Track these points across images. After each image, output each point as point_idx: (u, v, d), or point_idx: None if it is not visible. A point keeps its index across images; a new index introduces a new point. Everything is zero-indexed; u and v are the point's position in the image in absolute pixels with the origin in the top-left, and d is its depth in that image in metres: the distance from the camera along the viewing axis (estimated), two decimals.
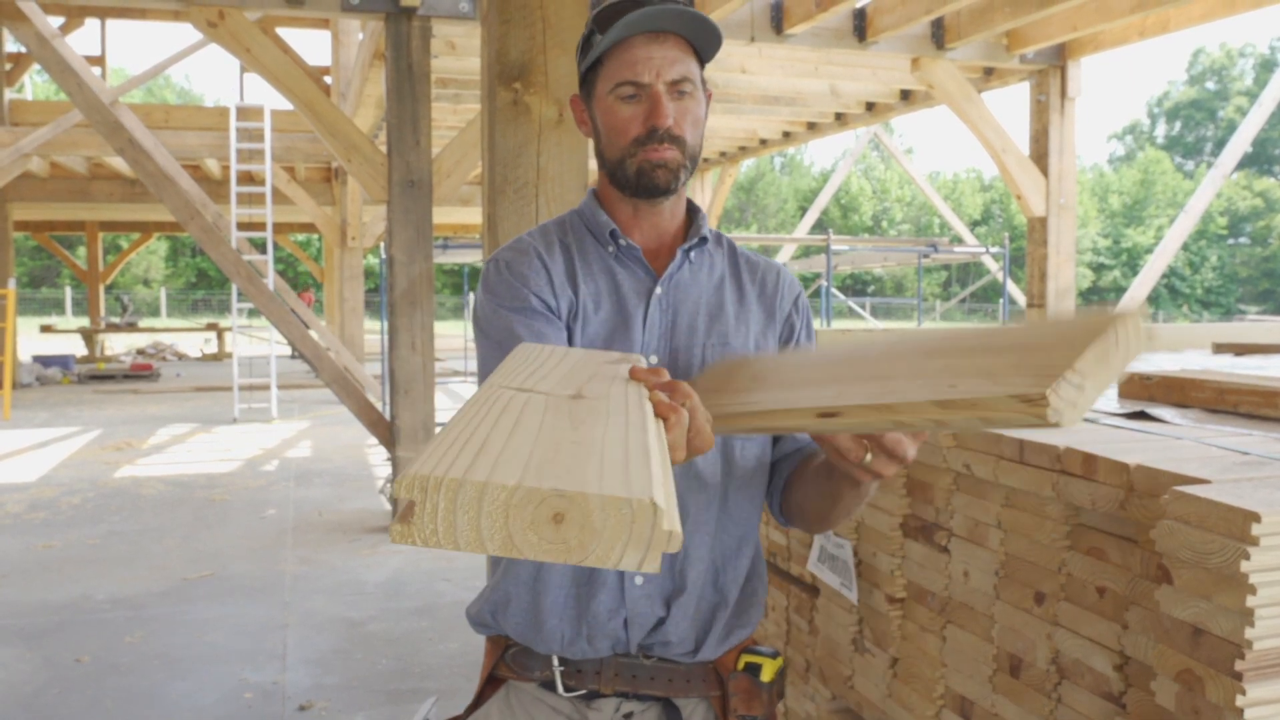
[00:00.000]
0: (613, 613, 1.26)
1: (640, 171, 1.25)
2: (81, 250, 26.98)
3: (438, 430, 6.81)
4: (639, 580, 1.25)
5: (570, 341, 1.27)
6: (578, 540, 0.64)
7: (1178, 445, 1.42)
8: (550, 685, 1.30)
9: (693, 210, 1.37)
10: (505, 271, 1.29)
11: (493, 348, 1.25)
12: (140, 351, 18.93)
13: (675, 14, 1.21)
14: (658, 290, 1.29)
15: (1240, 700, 1.05)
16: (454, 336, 18.20)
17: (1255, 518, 1.03)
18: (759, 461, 1.33)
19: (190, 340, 21.69)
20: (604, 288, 1.30)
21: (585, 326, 1.28)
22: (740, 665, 1.31)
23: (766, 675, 1.30)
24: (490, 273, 1.31)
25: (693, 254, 1.33)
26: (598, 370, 1.04)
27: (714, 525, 1.29)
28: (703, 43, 1.26)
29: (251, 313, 21.04)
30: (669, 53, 1.23)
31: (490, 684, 1.35)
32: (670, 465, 0.86)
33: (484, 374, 1.27)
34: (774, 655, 1.32)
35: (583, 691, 1.29)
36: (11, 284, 12.08)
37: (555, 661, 1.29)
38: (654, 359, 1.27)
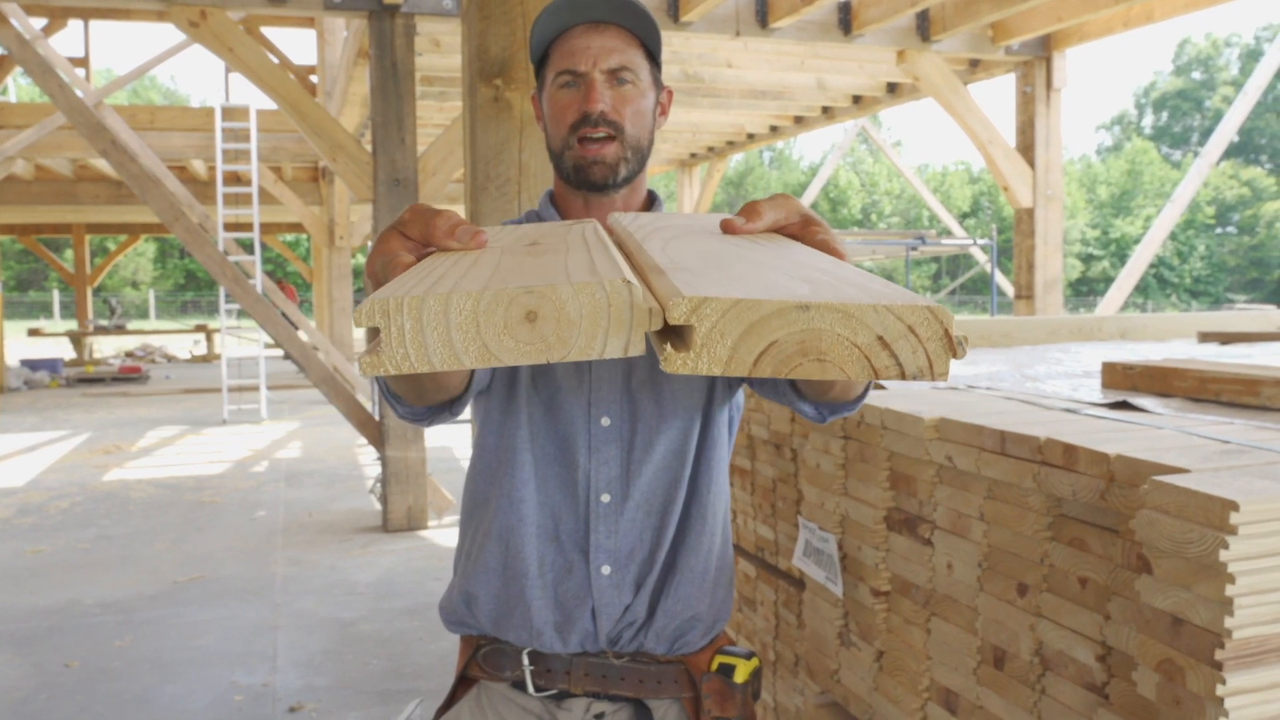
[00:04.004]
0: (579, 600, 1.26)
1: (577, 168, 1.26)
2: (68, 253, 26.86)
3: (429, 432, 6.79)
4: (605, 570, 1.26)
5: None
6: (556, 335, 0.61)
7: (1158, 435, 1.42)
8: (521, 685, 1.30)
9: (652, 200, 1.37)
10: None
11: None
12: (129, 354, 18.86)
13: (603, 1, 1.24)
14: None
15: (1220, 689, 1.05)
16: None
17: (1233, 506, 1.03)
18: (679, 450, 1.28)
19: (179, 342, 21.60)
20: None
21: None
22: (713, 666, 1.30)
23: (740, 676, 1.29)
24: None
25: None
26: (554, 229, 1.03)
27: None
28: (644, 34, 1.27)
29: (240, 314, 20.96)
30: (608, 42, 1.24)
31: (462, 684, 1.35)
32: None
33: None
34: (748, 656, 1.31)
35: (553, 691, 1.28)
36: None
37: (525, 660, 1.28)
38: None
